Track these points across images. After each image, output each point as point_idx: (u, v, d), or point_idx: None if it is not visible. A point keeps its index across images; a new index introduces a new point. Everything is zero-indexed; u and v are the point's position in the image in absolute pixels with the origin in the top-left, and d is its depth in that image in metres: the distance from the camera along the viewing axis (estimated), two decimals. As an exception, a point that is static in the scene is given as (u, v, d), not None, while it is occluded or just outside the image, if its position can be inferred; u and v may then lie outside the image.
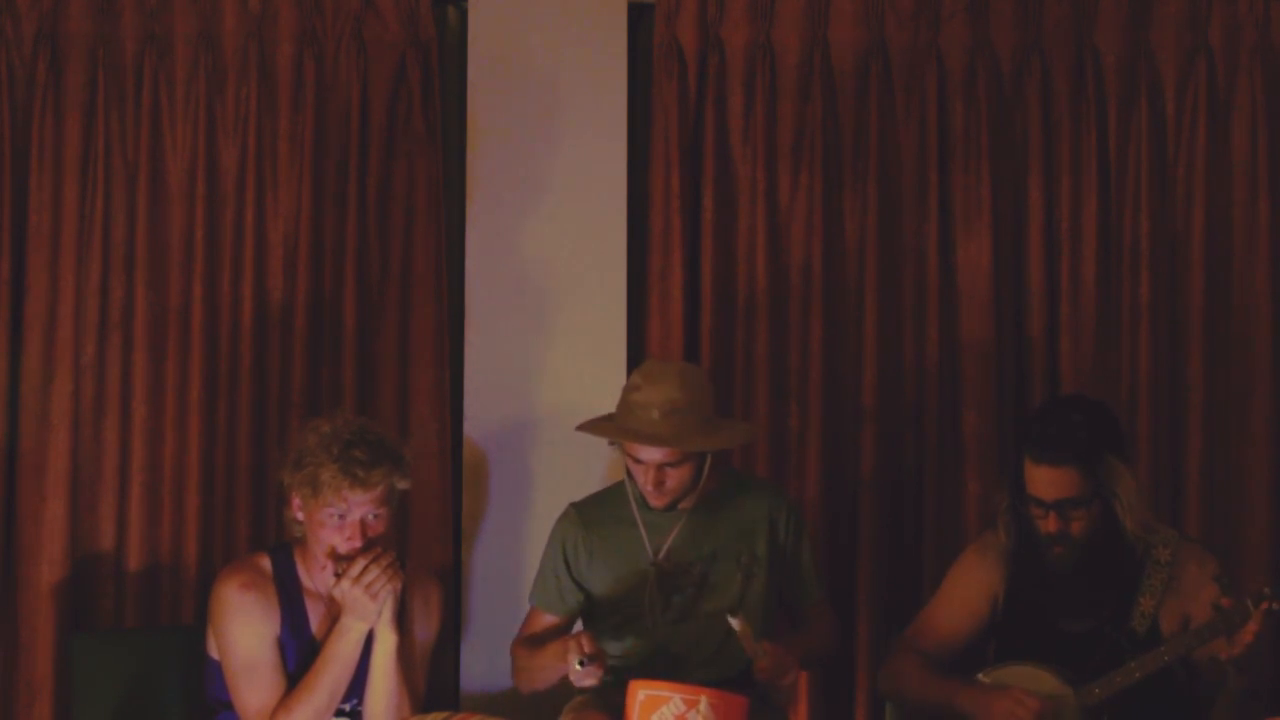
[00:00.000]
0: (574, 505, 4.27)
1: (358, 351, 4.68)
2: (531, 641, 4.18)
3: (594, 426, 4.12)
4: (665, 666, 4.04)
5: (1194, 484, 4.75)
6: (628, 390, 4.10)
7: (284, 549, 4.02)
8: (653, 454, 4.02)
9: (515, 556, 4.66)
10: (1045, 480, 3.96)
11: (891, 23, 4.79)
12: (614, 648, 4.14)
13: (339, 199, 4.71)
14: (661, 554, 4.13)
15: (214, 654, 3.98)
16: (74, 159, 4.67)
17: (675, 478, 4.06)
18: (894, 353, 4.77)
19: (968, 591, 4.16)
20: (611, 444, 4.13)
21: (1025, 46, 4.80)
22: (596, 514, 4.22)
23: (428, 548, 4.62)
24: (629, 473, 4.13)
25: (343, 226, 4.70)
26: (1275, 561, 4.75)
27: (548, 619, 4.21)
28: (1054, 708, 3.91)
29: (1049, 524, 3.96)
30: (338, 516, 3.84)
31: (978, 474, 4.71)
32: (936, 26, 4.80)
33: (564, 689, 4.35)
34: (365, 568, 3.80)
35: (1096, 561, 3.99)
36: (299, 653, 3.92)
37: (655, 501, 4.10)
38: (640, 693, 3.45)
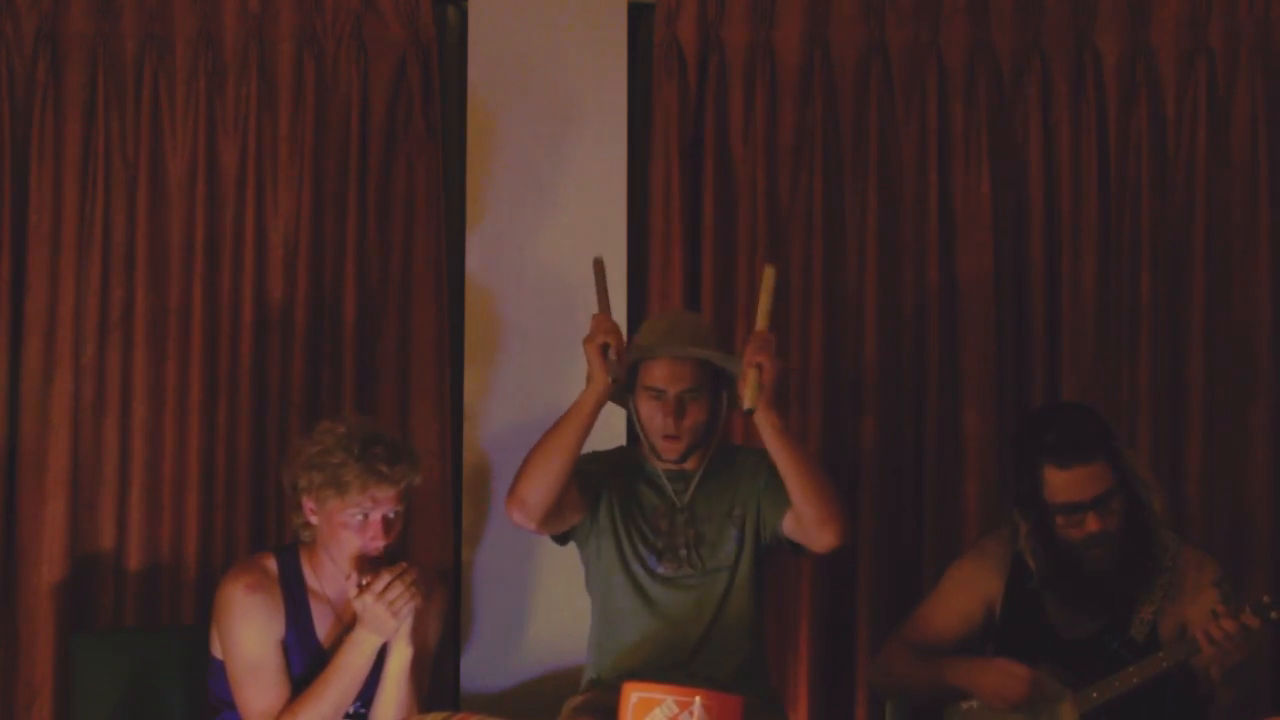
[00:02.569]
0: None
1: (358, 351, 4.68)
2: None
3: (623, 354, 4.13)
4: (662, 635, 4.09)
5: (1194, 484, 4.75)
6: (642, 334, 4.19)
7: (290, 550, 4.02)
8: (681, 377, 4.07)
9: (516, 557, 4.66)
10: (1079, 482, 3.94)
11: (891, 22, 4.79)
12: (612, 608, 4.18)
13: (339, 199, 4.71)
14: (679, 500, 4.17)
15: (217, 654, 3.98)
16: (74, 159, 4.67)
17: (694, 414, 4.10)
18: (894, 352, 4.77)
19: (965, 599, 4.14)
20: (626, 394, 4.16)
21: (1025, 46, 4.81)
22: (618, 463, 4.25)
23: (428, 548, 4.62)
24: (641, 428, 4.16)
25: (343, 226, 4.70)
26: (1276, 562, 4.75)
27: None
28: (1041, 678, 3.92)
29: (1090, 524, 3.93)
30: (361, 515, 3.84)
31: (978, 474, 4.71)
32: (936, 26, 4.80)
33: (561, 687, 4.37)
34: (390, 584, 3.79)
35: (1131, 552, 3.98)
36: (303, 656, 3.92)
37: (670, 448, 4.13)
38: (633, 695, 3.45)
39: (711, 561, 4.13)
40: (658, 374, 4.10)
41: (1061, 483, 3.96)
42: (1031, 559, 4.06)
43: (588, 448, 4.18)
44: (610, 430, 4.31)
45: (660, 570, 4.14)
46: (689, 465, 4.18)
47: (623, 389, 4.17)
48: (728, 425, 4.39)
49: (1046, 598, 4.05)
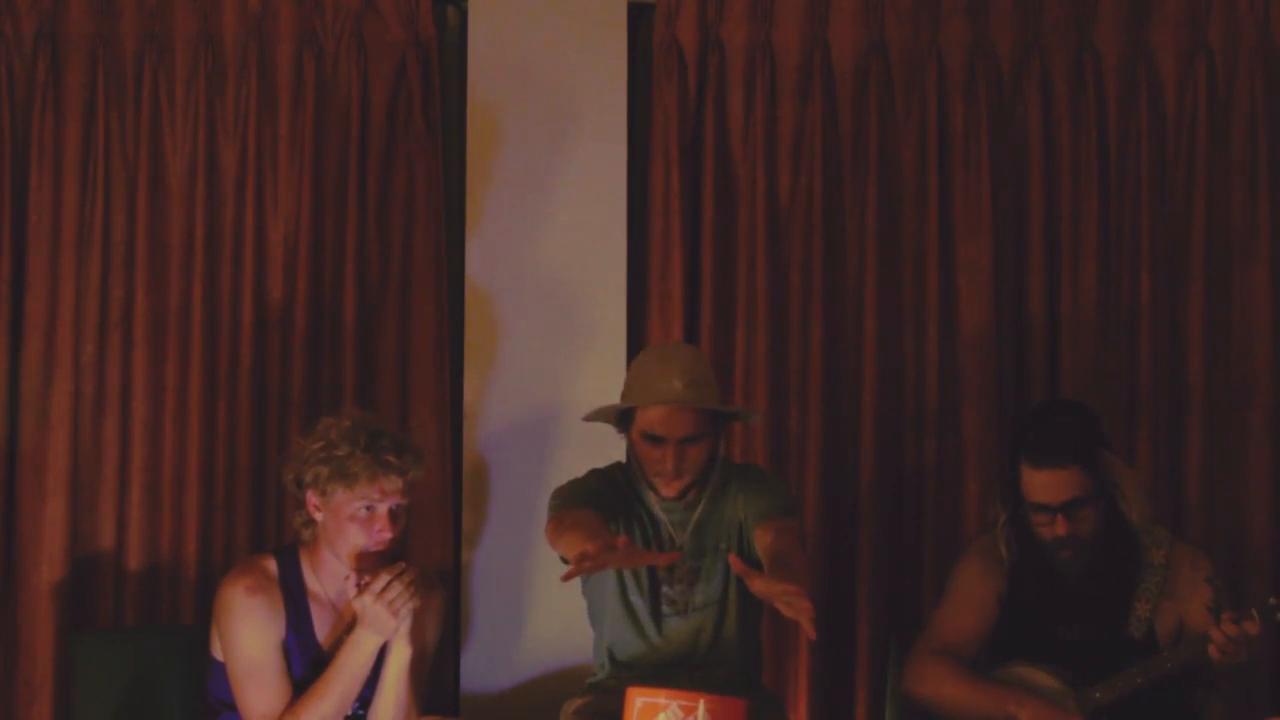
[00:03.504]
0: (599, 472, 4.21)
1: (358, 351, 4.68)
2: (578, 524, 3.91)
3: (623, 400, 4.07)
4: (660, 656, 4.06)
5: (1194, 484, 4.75)
6: (639, 371, 4.09)
7: (290, 551, 4.02)
8: (681, 425, 3.98)
9: (516, 557, 4.66)
10: (1049, 484, 3.96)
11: (891, 22, 4.79)
12: (611, 635, 4.16)
13: (339, 199, 4.71)
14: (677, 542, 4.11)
15: (217, 655, 3.98)
16: (74, 159, 4.67)
17: (694, 457, 4.03)
18: (894, 353, 4.77)
19: (981, 594, 4.14)
20: (621, 431, 4.12)
21: (1025, 46, 4.80)
22: (621, 489, 4.17)
23: (428, 548, 4.62)
24: (640, 463, 4.09)
25: (343, 226, 4.70)
26: (1276, 561, 4.75)
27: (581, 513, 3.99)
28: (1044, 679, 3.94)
29: (1057, 528, 3.96)
30: (366, 508, 3.84)
31: (978, 474, 4.71)
32: (936, 26, 4.80)
33: (561, 687, 4.38)
34: (389, 583, 3.80)
35: (1103, 561, 4.00)
36: (304, 657, 3.92)
37: (670, 488, 4.07)
38: (637, 700, 3.45)
39: (705, 595, 4.10)
40: (656, 421, 4.01)
41: (1033, 482, 3.99)
42: (1005, 548, 4.10)
43: (588, 460, 4.19)
44: (604, 449, 4.28)
45: (659, 605, 4.11)
46: (688, 497, 4.12)
47: (619, 417, 4.12)
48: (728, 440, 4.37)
49: (1048, 599, 4.05)
